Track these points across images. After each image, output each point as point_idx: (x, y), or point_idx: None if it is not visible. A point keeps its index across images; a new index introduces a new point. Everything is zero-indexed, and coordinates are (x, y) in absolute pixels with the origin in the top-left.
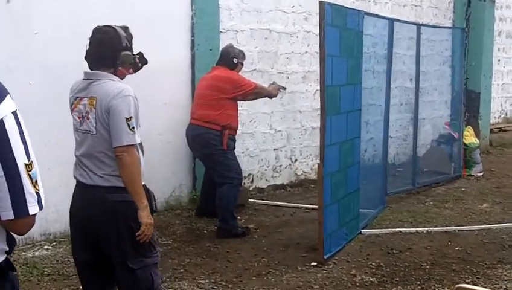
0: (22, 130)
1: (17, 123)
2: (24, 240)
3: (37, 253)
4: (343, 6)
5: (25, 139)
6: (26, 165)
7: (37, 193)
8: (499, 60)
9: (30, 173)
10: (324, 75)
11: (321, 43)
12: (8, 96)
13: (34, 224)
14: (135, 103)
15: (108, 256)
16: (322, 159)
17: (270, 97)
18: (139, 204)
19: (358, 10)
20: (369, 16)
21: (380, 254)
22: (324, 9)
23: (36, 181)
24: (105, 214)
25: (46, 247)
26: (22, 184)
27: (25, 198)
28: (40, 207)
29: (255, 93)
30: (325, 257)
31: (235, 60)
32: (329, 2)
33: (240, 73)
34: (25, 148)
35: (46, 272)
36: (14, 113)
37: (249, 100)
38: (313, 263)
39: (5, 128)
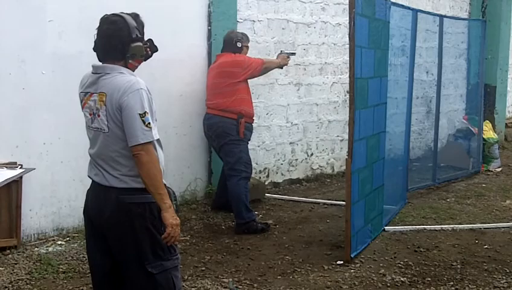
0: None
1: None
2: (36, 235)
3: (50, 249)
4: None
5: None
6: None
7: None
8: None
9: None
10: (354, 67)
11: (351, 34)
12: None
13: None
14: (148, 96)
15: (121, 262)
16: (350, 154)
17: (281, 67)
18: (162, 204)
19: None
20: (392, 6)
21: (407, 252)
22: None
23: None
24: (120, 217)
25: (59, 242)
26: None
27: None
28: None
29: (265, 68)
30: (352, 256)
31: (239, 44)
32: None
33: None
34: None
35: (61, 269)
36: None
37: (260, 75)
38: (339, 262)
39: None
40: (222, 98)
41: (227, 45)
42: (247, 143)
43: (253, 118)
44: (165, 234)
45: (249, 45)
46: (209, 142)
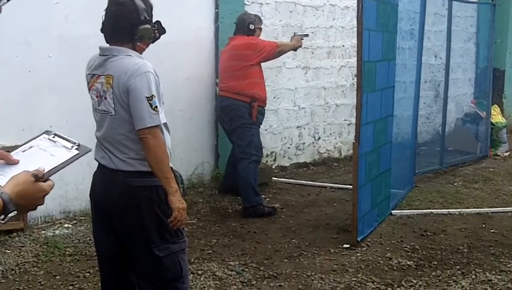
0: None
1: None
2: (43, 218)
3: (57, 232)
4: None
5: None
6: None
7: None
8: None
9: None
10: (361, 50)
11: (359, 17)
12: None
13: None
14: (156, 79)
15: (128, 245)
16: (357, 138)
17: (295, 49)
18: (168, 188)
19: None
20: None
21: (414, 236)
22: None
23: None
24: (127, 200)
25: (66, 225)
26: None
27: None
28: None
29: (278, 52)
30: (358, 239)
31: (252, 26)
32: None
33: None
34: None
35: (68, 252)
36: None
37: (274, 58)
38: (345, 245)
39: None
40: (235, 81)
41: (240, 27)
42: (259, 127)
43: (266, 102)
44: (171, 217)
45: (262, 26)
46: (221, 124)
